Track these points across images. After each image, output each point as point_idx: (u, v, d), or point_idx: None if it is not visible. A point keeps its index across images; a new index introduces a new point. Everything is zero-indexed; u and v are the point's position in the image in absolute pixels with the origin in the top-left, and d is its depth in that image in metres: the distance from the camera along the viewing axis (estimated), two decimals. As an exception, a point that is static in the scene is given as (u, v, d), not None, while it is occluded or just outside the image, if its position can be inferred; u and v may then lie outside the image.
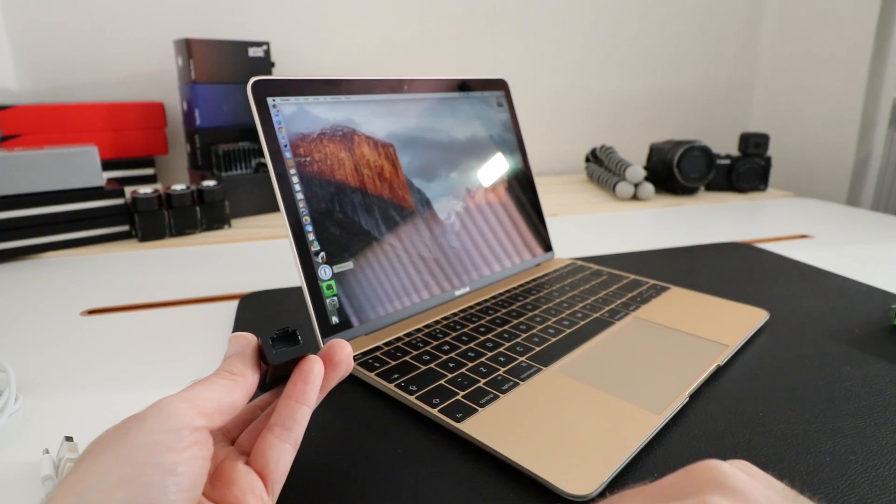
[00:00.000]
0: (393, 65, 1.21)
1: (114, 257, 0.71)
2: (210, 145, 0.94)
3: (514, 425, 0.33)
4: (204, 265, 0.68)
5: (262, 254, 0.73)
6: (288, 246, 0.41)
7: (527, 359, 0.40)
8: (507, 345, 0.42)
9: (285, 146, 0.42)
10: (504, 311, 0.49)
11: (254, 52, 0.95)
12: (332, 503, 0.28)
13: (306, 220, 0.42)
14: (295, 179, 0.42)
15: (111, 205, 0.76)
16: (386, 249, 0.46)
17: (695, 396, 0.36)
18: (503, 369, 0.39)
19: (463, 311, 0.49)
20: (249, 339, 0.28)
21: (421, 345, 0.42)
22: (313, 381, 0.27)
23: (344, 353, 0.29)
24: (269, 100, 0.42)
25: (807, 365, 0.42)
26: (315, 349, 0.28)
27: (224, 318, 0.52)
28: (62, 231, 0.73)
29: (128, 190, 0.79)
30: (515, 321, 0.46)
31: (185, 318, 0.52)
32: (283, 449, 0.26)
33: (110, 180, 0.83)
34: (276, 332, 0.27)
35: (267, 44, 0.96)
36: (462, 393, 0.36)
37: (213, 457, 0.25)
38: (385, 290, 0.45)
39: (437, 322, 0.46)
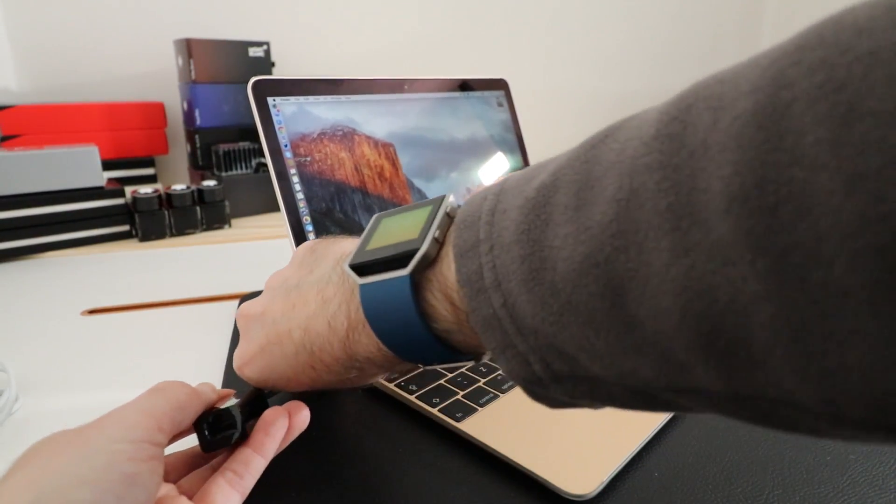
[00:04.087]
0: (393, 64, 1.21)
1: (114, 257, 0.71)
2: (210, 145, 0.94)
3: (514, 425, 0.33)
4: (204, 265, 0.68)
5: (262, 254, 0.73)
6: (288, 246, 0.41)
7: (527, 359, 0.40)
8: (507, 345, 0.42)
9: (285, 146, 0.42)
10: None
11: (254, 51, 0.95)
12: (331, 503, 0.28)
13: (306, 219, 0.42)
14: (295, 179, 0.42)
15: (111, 205, 0.76)
16: (386, 249, 0.46)
17: (695, 396, 0.36)
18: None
19: (463, 310, 0.49)
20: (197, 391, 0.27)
21: (421, 345, 0.42)
22: (275, 433, 0.26)
23: (302, 414, 0.28)
24: (270, 99, 0.42)
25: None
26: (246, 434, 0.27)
27: (224, 318, 0.52)
28: (62, 231, 0.73)
29: (128, 190, 0.79)
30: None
31: (185, 318, 0.52)
32: (230, 495, 0.24)
33: (110, 180, 0.83)
34: (211, 417, 0.26)
35: (267, 44, 0.96)
36: (462, 392, 0.36)
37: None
38: (385, 289, 0.45)
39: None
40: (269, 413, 0.27)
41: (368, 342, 0.23)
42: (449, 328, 0.21)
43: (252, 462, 0.26)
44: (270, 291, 0.28)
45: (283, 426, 0.27)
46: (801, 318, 0.12)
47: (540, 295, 0.17)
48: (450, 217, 0.22)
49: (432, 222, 0.21)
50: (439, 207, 0.22)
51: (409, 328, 0.21)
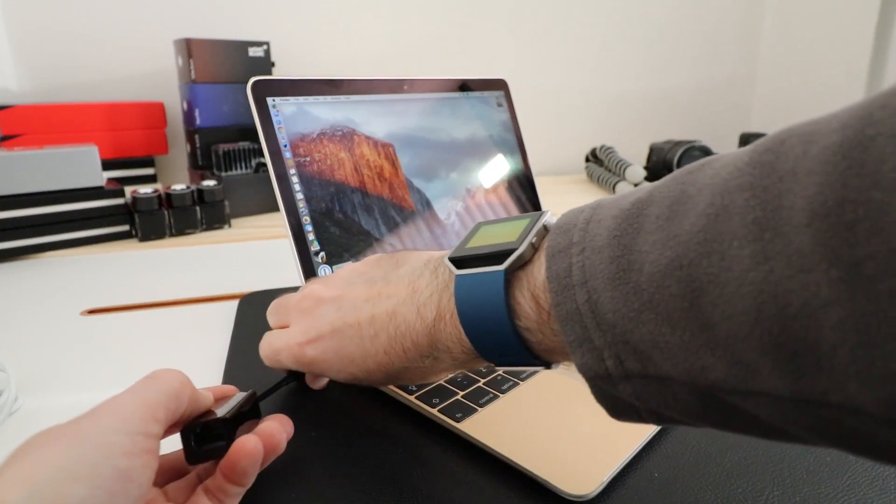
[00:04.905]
0: (393, 65, 1.21)
1: (114, 257, 0.71)
2: (210, 145, 0.94)
3: (514, 425, 0.33)
4: (204, 265, 0.68)
5: (262, 254, 0.73)
6: (288, 246, 0.41)
7: (527, 359, 0.40)
8: (507, 345, 0.42)
9: (285, 146, 0.42)
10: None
11: (254, 51, 0.95)
12: (331, 503, 0.28)
13: (306, 220, 0.42)
14: (295, 179, 0.42)
15: (111, 205, 0.76)
16: (386, 249, 0.46)
17: (695, 396, 0.36)
18: (503, 369, 0.39)
19: (463, 311, 0.49)
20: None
21: (421, 345, 0.42)
22: (253, 462, 0.25)
23: (283, 436, 0.28)
24: (269, 100, 0.42)
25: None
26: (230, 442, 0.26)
27: (224, 318, 0.52)
28: (62, 231, 0.73)
29: (128, 190, 0.79)
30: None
31: (185, 318, 0.52)
32: None
33: (110, 180, 0.83)
34: (199, 427, 0.26)
35: (267, 44, 0.96)
36: (462, 392, 0.36)
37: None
38: (385, 290, 0.45)
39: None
40: (246, 443, 0.25)
41: (452, 332, 0.25)
42: (529, 326, 0.23)
43: (231, 490, 0.25)
44: (345, 280, 0.31)
45: (259, 454, 0.26)
46: (867, 323, 0.14)
47: (623, 293, 0.19)
48: (545, 229, 0.24)
49: (531, 230, 0.24)
50: (538, 219, 0.24)
51: (494, 321, 0.23)
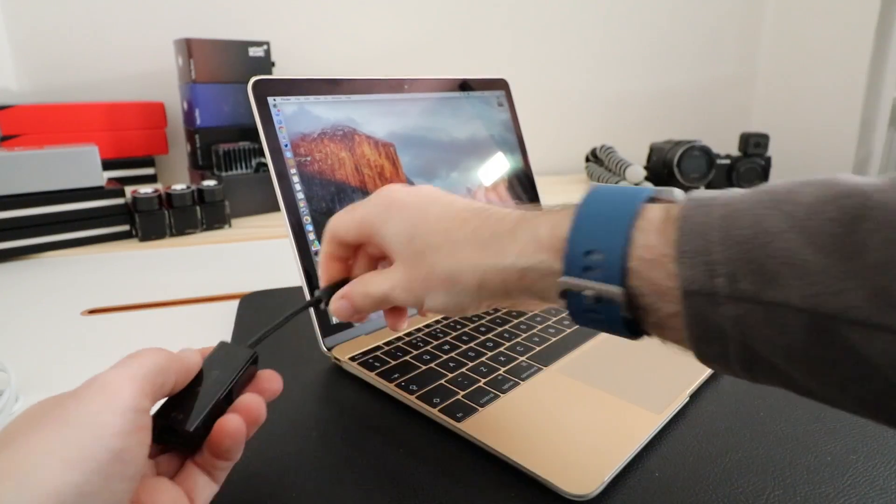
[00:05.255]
0: (393, 64, 1.21)
1: (114, 257, 0.71)
2: (210, 145, 0.94)
3: (515, 425, 0.33)
4: (204, 265, 0.68)
5: (262, 254, 0.73)
6: (288, 245, 0.41)
7: (527, 358, 0.40)
8: (508, 344, 0.42)
9: (286, 146, 0.42)
10: (504, 310, 0.49)
11: (254, 51, 0.95)
12: (332, 503, 0.28)
13: (307, 219, 0.42)
14: (295, 179, 0.42)
15: (111, 204, 0.76)
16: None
17: (695, 396, 0.36)
18: (503, 369, 0.39)
19: (463, 310, 0.49)
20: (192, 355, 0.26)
21: (421, 344, 0.42)
22: (236, 441, 0.25)
23: (262, 408, 0.27)
24: (270, 99, 0.42)
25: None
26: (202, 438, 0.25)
27: (224, 318, 0.52)
28: (62, 231, 0.73)
29: (128, 190, 0.79)
30: (515, 321, 0.46)
31: (186, 318, 0.52)
32: (207, 482, 0.25)
33: (110, 180, 0.83)
34: (165, 425, 0.25)
35: (267, 43, 0.96)
36: (462, 392, 0.36)
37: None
38: (385, 289, 0.45)
39: (437, 322, 0.46)
40: (227, 422, 0.25)
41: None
42: (642, 255, 0.21)
43: (220, 464, 0.25)
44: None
45: (241, 430, 0.25)
46: None
47: (768, 215, 0.19)
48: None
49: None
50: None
51: (612, 230, 0.22)
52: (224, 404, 0.26)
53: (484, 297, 0.27)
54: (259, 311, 0.53)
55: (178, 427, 0.25)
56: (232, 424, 0.25)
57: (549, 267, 0.24)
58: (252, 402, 0.26)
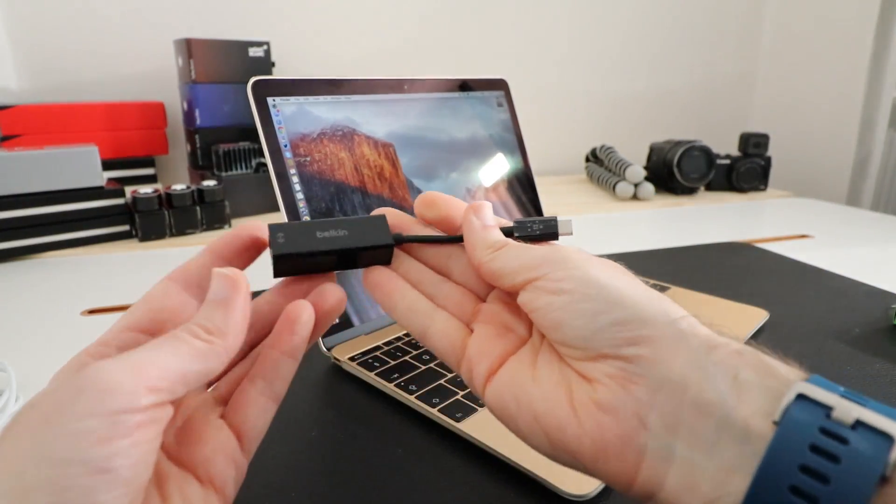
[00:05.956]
0: (393, 64, 1.21)
1: (114, 257, 0.71)
2: (210, 145, 0.94)
3: (514, 425, 0.33)
4: (204, 265, 0.68)
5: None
6: (288, 246, 0.41)
7: (527, 359, 0.40)
8: (507, 345, 0.42)
9: (285, 146, 0.42)
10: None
11: (254, 51, 0.95)
12: (332, 503, 0.28)
13: (306, 220, 0.42)
14: (295, 179, 0.42)
15: (111, 205, 0.76)
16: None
17: (695, 396, 0.36)
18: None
19: (463, 310, 0.49)
20: (239, 281, 0.22)
21: (421, 344, 0.42)
22: (300, 331, 0.23)
23: (335, 298, 0.24)
24: (270, 100, 0.42)
25: (806, 365, 0.42)
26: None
27: (224, 318, 0.52)
28: (62, 231, 0.73)
29: (128, 190, 0.79)
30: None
31: (185, 318, 0.52)
32: (264, 405, 0.23)
33: (110, 180, 0.83)
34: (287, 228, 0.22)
35: (267, 44, 0.96)
36: (462, 392, 0.36)
37: (182, 406, 0.22)
38: (385, 289, 0.45)
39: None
40: (293, 309, 0.23)
41: None
42: None
43: (281, 366, 0.23)
44: None
45: (309, 322, 0.23)
46: None
47: None
48: None
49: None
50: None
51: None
52: (334, 259, 0.24)
53: None
54: (259, 311, 0.53)
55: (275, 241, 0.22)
56: (303, 304, 0.23)
57: None
58: (329, 289, 0.24)
